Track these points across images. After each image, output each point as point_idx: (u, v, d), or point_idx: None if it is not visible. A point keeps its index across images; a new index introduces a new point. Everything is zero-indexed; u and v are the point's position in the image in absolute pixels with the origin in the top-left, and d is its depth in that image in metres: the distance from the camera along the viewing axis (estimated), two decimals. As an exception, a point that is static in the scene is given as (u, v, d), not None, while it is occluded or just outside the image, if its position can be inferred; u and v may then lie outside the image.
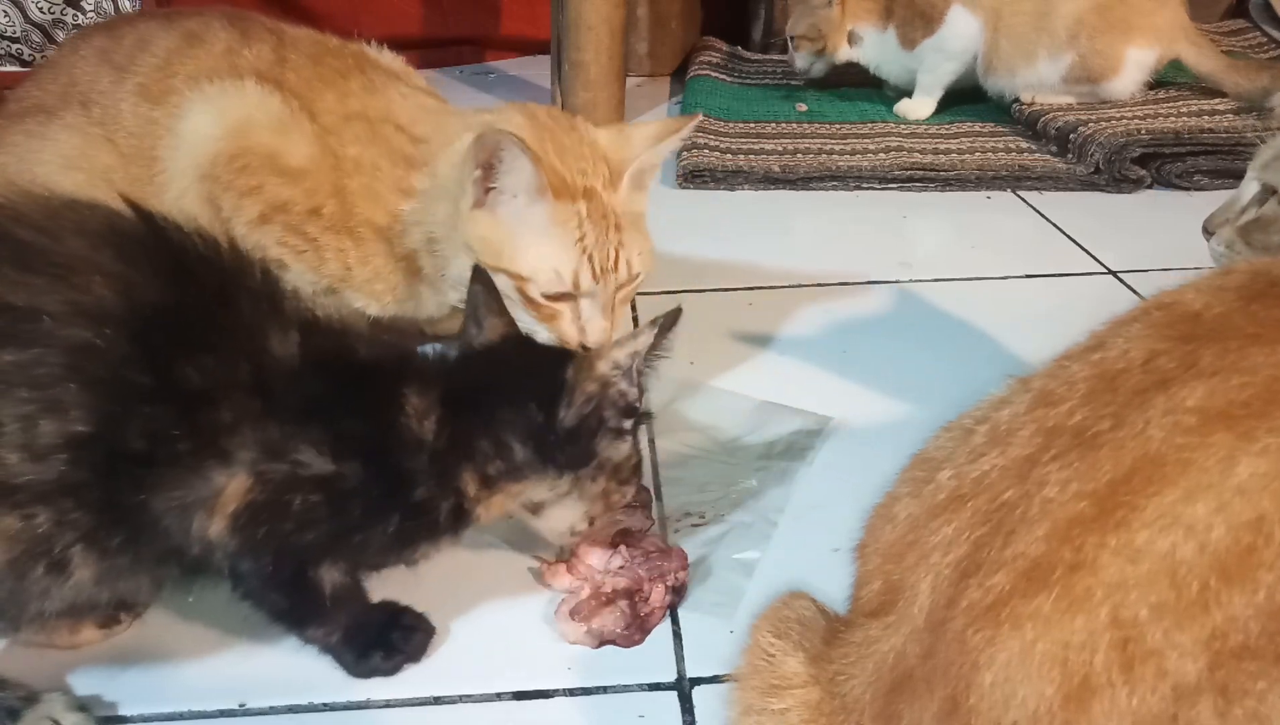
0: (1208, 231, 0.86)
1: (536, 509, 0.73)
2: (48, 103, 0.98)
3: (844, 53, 1.90)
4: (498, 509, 0.72)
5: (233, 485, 0.62)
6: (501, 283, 0.85)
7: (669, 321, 0.72)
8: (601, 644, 0.73)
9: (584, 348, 0.88)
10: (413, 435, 0.68)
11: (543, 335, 0.89)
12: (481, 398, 0.70)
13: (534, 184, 0.85)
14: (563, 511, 0.73)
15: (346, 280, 0.96)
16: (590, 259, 0.88)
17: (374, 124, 0.95)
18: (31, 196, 0.63)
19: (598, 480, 0.72)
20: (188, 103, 0.94)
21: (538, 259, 0.87)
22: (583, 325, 0.89)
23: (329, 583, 0.68)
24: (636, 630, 0.74)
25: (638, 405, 0.73)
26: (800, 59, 1.95)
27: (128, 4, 1.68)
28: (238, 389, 0.62)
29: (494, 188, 0.86)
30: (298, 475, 0.64)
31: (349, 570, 0.71)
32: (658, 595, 0.75)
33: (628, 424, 0.72)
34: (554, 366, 0.71)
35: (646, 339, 0.71)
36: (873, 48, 1.89)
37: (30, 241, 0.60)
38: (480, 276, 0.76)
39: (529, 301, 0.89)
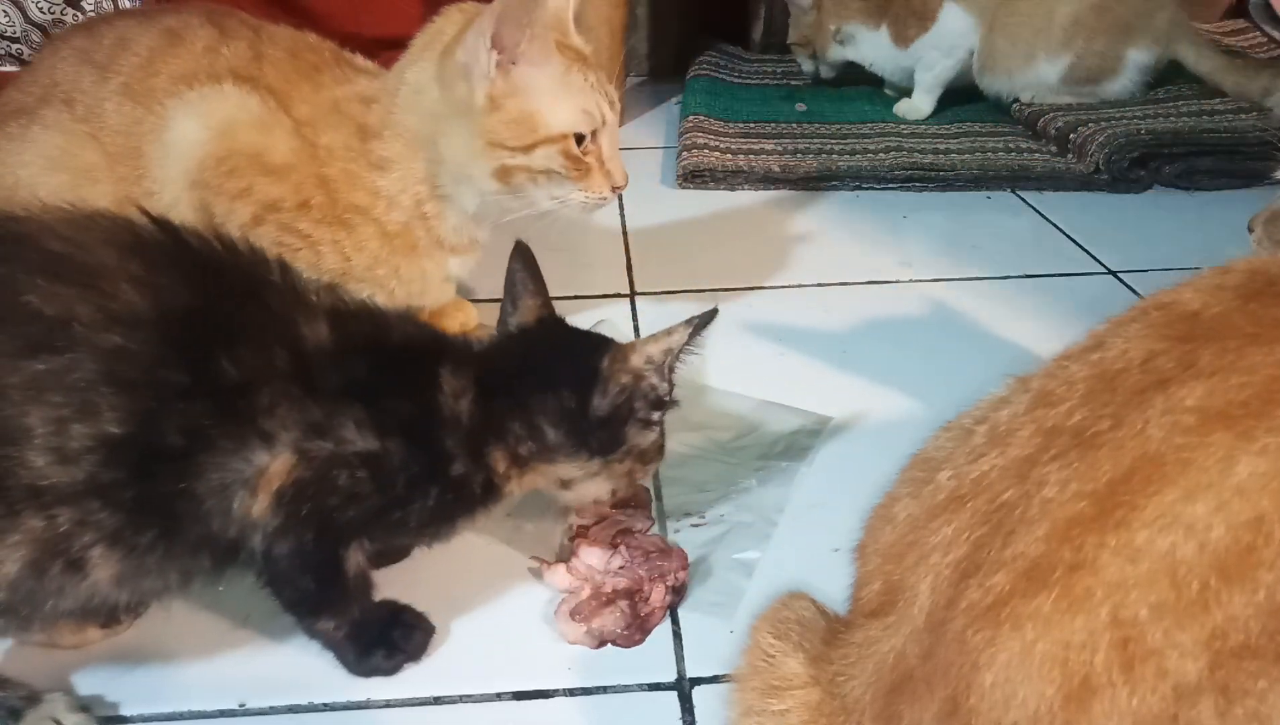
0: (1250, 228, 0.88)
1: (565, 485, 0.76)
2: (29, 105, 0.97)
3: (836, 52, 1.90)
4: (529, 485, 0.75)
5: (277, 464, 0.64)
6: (540, 159, 0.91)
7: (704, 321, 0.74)
8: (601, 644, 0.73)
9: (614, 189, 0.95)
10: (449, 413, 0.70)
11: (577, 198, 0.94)
12: (516, 381, 0.73)
13: (541, 42, 0.89)
14: (589, 487, 0.76)
15: (348, 272, 0.97)
16: (599, 93, 0.93)
17: (340, 106, 0.96)
18: (59, 209, 0.65)
19: (625, 462, 0.75)
20: (170, 112, 0.94)
21: (569, 110, 0.92)
22: (608, 169, 0.95)
23: (353, 568, 0.69)
24: (636, 630, 0.74)
25: (667, 398, 0.75)
26: (803, 64, 1.98)
27: (127, 3, 1.67)
28: (274, 376, 0.64)
29: (515, 62, 0.89)
30: (343, 452, 0.65)
31: (376, 556, 0.72)
32: (658, 595, 0.75)
33: (656, 416, 0.75)
34: (589, 354, 0.73)
35: (680, 337, 0.73)
36: (865, 45, 1.88)
37: (60, 252, 0.61)
38: (520, 253, 0.78)
39: (572, 161, 0.92)
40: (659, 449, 0.78)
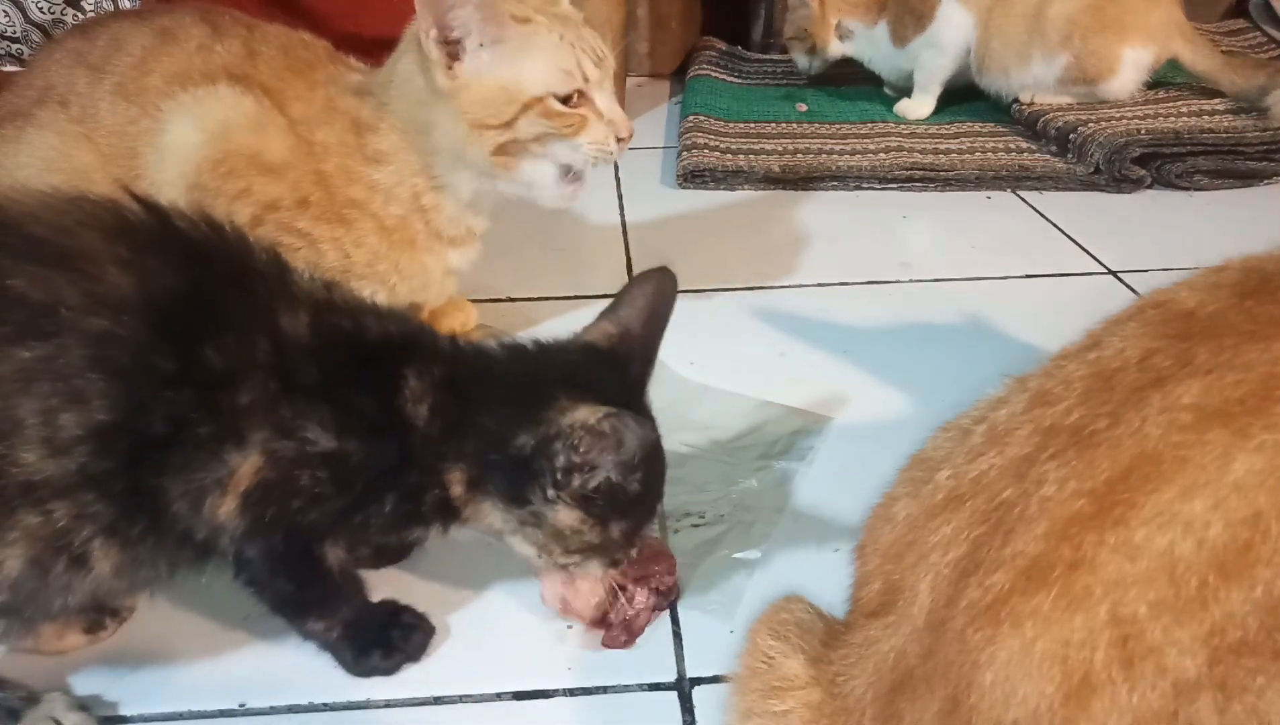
0: None
1: (499, 533, 0.71)
2: (24, 108, 0.97)
3: (836, 47, 1.90)
4: (485, 516, 0.70)
5: (245, 465, 0.63)
6: (527, 127, 0.90)
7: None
8: (576, 616, 0.73)
9: (620, 141, 0.93)
10: (407, 417, 0.67)
11: (586, 151, 0.92)
12: (479, 395, 0.68)
13: (489, 16, 0.87)
14: (518, 545, 0.71)
15: (349, 269, 0.97)
16: (580, 51, 0.91)
17: (334, 101, 0.96)
18: (43, 195, 0.64)
19: (538, 531, 0.69)
20: (166, 115, 0.94)
21: (541, 70, 0.90)
22: (610, 119, 0.93)
23: (334, 568, 0.68)
24: (622, 632, 0.73)
25: (568, 486, 0.67)
26: (799, 60, 1.97)
27: (127, 3, 1.68)
28: (255, 369, 0.63)
29: (460, 47, 0.88)
30: (305, 452, 0.64)
31: (353, 557, 0.71)
32: (641, 598, 0.74)
33: (552, 494, 0.67)
34: (554, 390, 0.67)
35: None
36: (863, 42, 1.89)
37: (45, 237, 0.61)
38: (655, 280, 0.73)
39: (559, 118, 0.91)
40: (596, 548, 0.69)
